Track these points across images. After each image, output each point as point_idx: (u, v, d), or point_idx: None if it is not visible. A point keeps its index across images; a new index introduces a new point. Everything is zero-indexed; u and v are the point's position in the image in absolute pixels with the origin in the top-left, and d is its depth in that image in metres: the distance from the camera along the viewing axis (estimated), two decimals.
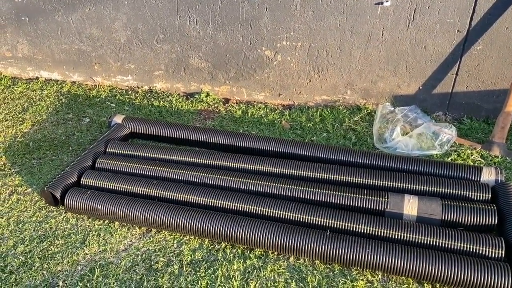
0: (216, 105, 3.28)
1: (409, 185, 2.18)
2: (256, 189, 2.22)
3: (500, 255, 1.81)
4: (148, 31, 3.23)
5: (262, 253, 2.03)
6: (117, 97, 3.42)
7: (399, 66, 2.90)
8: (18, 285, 1.93)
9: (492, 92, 2.83)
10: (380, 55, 2.89)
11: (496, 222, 1.96)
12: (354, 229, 1.96)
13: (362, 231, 1.95)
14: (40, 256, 2.07)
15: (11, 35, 3.58)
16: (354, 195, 2.11)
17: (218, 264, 1.98)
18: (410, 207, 2.04)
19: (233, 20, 3.01)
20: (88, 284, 1.92)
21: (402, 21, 2.74)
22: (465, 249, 1.84)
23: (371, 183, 2.22)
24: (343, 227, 1.98)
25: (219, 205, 2.14)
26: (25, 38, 3.56)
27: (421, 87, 2.94)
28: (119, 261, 2.02)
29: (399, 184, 2.19)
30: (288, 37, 2.97)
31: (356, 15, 2.78)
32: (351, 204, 2.10)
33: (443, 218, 2.00)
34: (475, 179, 2.23)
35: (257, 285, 1.88)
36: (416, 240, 1.90)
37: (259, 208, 2.09)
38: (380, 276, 1.90)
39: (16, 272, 1.99)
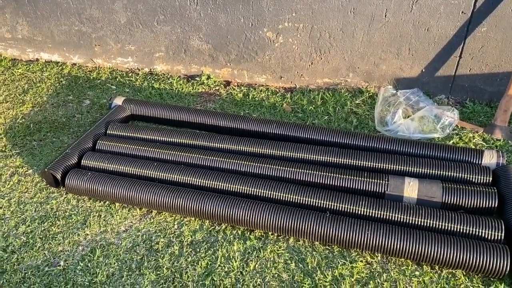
0: (217, 88, 3.26)
1: (410, 168, 2.17)
2: (257, 171, 2.22)
3: (499, 238, 1.82)
4: (148, 12, 3.19)
5: (262, 234, 2.04)
6: (117, 79, 3.40)
7: (402, 49, 2.87)
8: (20, 264, 1.95)
9: (496, 75, 2.80)
10: (383, 37, 2.85)
11: (496, 205, 1.96)
12: (354, 211, 1.96)
13: (362, 213, 1.95)
14: (41, 236, 2.08)
15: (10, 15, 3.54)
16: (355, 177, 2.11)
17: (218, 245, 1.99)
18: (411, 189, 2.04)
19: (234, 1, 2.97)
20: (89, 264, 1.93)
21: (406, 2, 2.69)
22: (465, 231, 1.85)
23: (372, 165, 2.21)
24: (343, 209, 1.98)
25: (219, 187, 2.14)
26: (24, 19, 3.53)
27: (423, 70, 2.91)
28: (120, 242, 2.04)
29: (400, 167, 2.18)
30: (290, 18, 2.93)
31: None
32: (351, 186, 2.10)
33: (444, 200, 2.00)
34: (477, 162, 2.22)
35: (256, 265, 1.89)
36: (416, 222, 1.90)
37: (260, 190, 2.09)
38: (379, 258, 1.91)
39: (18, 251, 2.01)
